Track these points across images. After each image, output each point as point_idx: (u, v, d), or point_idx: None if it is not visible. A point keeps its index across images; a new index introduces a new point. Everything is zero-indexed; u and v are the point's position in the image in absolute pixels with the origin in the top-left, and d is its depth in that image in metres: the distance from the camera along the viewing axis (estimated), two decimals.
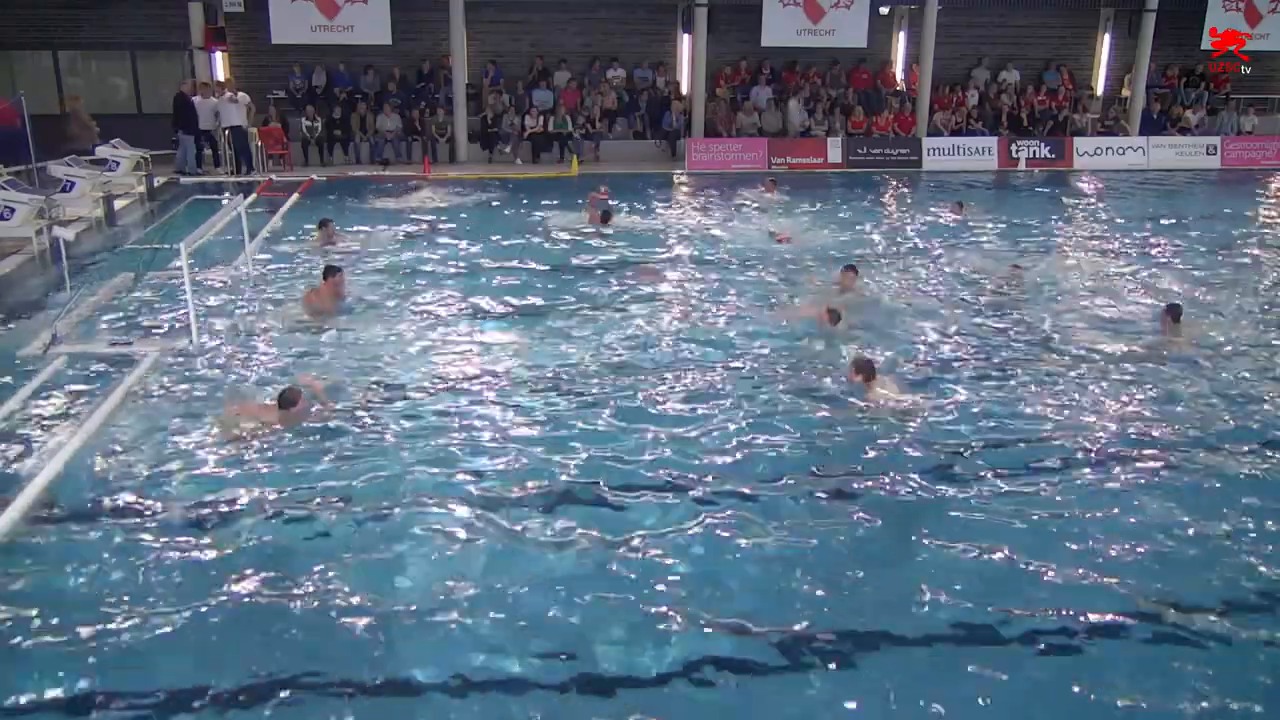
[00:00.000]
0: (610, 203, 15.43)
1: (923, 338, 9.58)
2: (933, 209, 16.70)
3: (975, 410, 7.78)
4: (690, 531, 5.93)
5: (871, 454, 7.02)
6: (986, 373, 8.65)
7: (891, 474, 6.68)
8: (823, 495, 6.43)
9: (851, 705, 4.54)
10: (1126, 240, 14.75)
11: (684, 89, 23.31)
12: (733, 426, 7.39)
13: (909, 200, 18.43)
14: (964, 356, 9.06)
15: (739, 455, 6.95)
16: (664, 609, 5.15)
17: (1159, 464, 6.93)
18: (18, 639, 4.87)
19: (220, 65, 21.18)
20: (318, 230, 13.34)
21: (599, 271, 12.28)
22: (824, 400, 7.92)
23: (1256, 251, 14.15)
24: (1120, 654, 4.91)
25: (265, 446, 6.89)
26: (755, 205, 17.05)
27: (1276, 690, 4.68)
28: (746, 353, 9.08)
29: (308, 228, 13.87)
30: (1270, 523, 6.11)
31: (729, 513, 6.15)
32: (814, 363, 8.81)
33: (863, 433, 7.39)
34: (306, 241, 13.39)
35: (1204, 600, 5.32)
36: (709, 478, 6.61)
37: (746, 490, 6.45)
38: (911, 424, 7.51)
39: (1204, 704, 4.54)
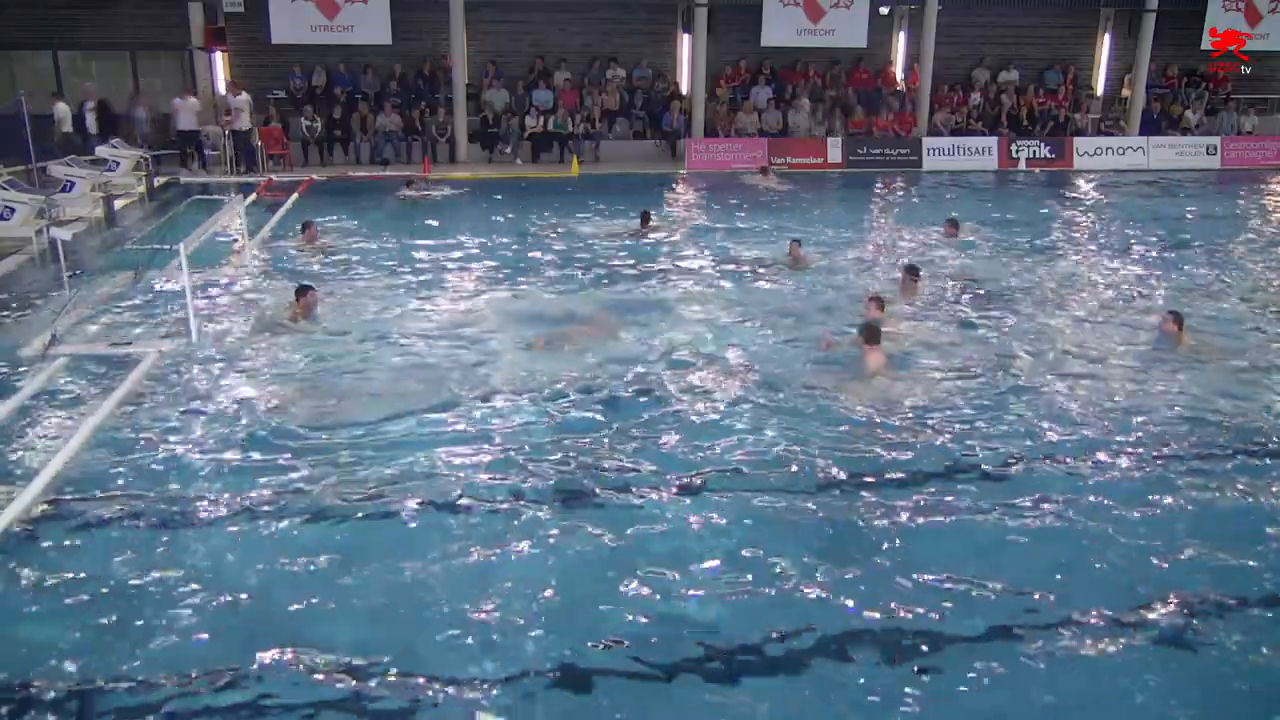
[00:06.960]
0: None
1: (928, 342, 9.58)
2: (926, 228, 15.66)
3: (980, 414, 7.78)
4: (699, 527, 5.95)
5: (875, 451, 7.03)
6: (989, 376, 8.63)
7: (894, 472, 6.69)
8: (821, 494, 6.44)
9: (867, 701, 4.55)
10: (1126, 240, 14.73)
11: (684, 89, 23.33)
12: (739, 425, 7.40)
13: (907, 207, 18.34)
14: (967, 361, 9.03)
15: (742, 454, 6.96)
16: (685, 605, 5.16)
17: (1165, 467, 6.89)
18: (17, 638, 4.87)
19: (220, 65, 21.19)
20: (301, 231, 13.38)
21: (631, 273, 12.31)
22: (821, 401, 7.93)
23: (1256, 251, 14.14)
24: (1126, 655, 4.91)
25: (272, 445, 6.91)
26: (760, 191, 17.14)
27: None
28: (754, 355, 9.11)
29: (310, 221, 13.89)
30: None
31: (735, 509, 6.15)
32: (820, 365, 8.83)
33: (868, 432, 7.41)
34: (291, 241, 13.45)
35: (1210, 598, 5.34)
36: (716, 472, 6.64)
37: (749, 489, 6.45)
38: (917, 420, 7.56)
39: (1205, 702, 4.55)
